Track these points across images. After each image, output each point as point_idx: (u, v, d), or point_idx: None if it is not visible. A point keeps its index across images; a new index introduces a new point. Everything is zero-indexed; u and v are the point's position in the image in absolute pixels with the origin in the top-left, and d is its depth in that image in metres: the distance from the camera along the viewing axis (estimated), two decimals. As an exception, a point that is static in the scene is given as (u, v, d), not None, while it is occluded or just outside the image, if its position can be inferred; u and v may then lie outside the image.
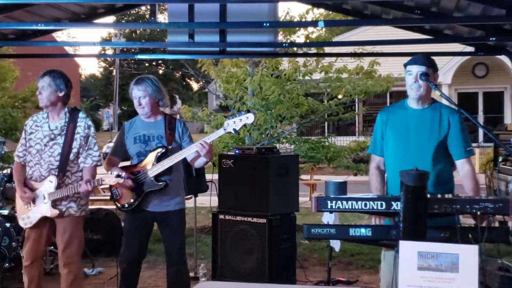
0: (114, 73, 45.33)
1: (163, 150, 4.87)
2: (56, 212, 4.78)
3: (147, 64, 50.29)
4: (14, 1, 6.27)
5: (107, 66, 55.03)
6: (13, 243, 6.18)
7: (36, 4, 6.55)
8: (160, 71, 50.10)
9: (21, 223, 5.04)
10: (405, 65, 4.19)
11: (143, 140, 4.97)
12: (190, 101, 46.40)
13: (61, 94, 4.85)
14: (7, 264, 6.16)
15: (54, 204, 4.79)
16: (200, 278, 6.40)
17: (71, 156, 4.83)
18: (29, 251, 4.94)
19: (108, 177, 4.69)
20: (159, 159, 4.85)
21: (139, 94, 4.94)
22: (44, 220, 4.89)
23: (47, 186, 4.78)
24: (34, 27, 7.16)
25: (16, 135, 14.01)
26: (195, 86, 54.82)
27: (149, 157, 4.90)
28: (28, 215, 4.92)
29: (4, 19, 7.07)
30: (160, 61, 49.71)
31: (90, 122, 4.95)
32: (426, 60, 4.13)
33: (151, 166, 4.86)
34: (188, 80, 53.60)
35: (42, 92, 4.82)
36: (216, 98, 17.46)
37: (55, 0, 6.36)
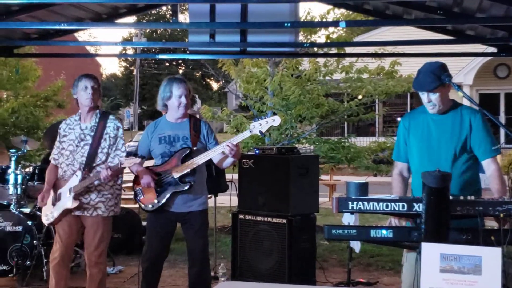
0: (134, 73, 45.59)
1: (188, 151, 4.89)
2: (76, 203, 4.85)
3: (167, 64, 50.49)
4: (37, 1, 6.32)
5: (128, 65, 55.36)
6: (35, 241, 6.23)
7: (59, 4, 6.59)
8: (180, 71, 50.29)
9: (44, 219, 5.14)
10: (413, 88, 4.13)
11: (168, 141, 4.98)
12: (210, 101, 46.51)
13: (99, 97, 5.06)
14: (28, 262, 6.21)
15: (77, 196, 4.86)
16: (220, 277, 6.41)
17: (101, 156, 4.93)
18: (58, 250, 5.00)
19: (128, 160, 4.71)
20: (183, 160, 4.86)
21: (184, 92, 4.97)
22: (73, 219, 4.97)
23: (72, 181, 4.89)
24: (57, 27, 7.22)
25: (38, 134, 14.07)
26: (214, 86, 54.99)
27: (174, 157, 4.91)
28: (52, 211, 5.02)
29: (27, 19, 7.14)
30: (180, 61, 49.88)
31: (119, 124, 5.06)
32: (431, 79, 3.95)
33: (176, 167, 4.88)
34: (208, 80, 53.77)
35: (94, 92, 4.96)
36: (236, 98, 17.47)
37: (78, 0, 6.40)
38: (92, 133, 4.96)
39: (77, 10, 7.25)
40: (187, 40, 6.78)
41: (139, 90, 42.65)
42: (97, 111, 5.07)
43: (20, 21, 7.21)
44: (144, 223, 7.41)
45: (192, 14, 6.43)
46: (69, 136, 5.02)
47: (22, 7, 6.80)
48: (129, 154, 4.84)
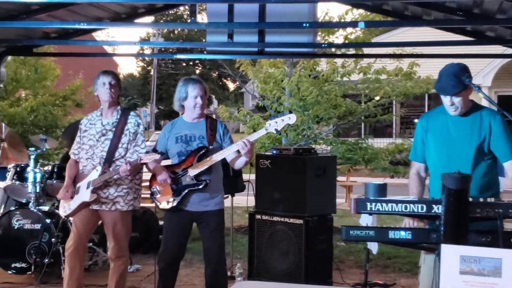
0: (151, 73, 45.75)
1: (204, 150, 4.90)
2: (94, 196, 4.92)
3: (184, 64, 50.61)
4: (57, 1, 6.36)
5: (145, 65, 55.57)
6: (53, 239, 6.28)
7: (78, 3, 6.63)
8: (197, 71, 50.39)
9: (61, 211, 5.24)
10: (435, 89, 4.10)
11: (185, 140, 5.00)
12: (226, 101, 46.53)
13: (119, 93, 5.16)
14: (46, 260, 6.26)
15: (95, 190, 4.93)
16: (237, 277, 6.42)
17: (121, 151, 5.01)
18: (72, 238, 5.09)
19: (147, 156, 4.76)
20: (200, 158, 4.88)
21: (200, 93, 5.00)
22: (90, 213, 5.05)
23: (92, 175, 4.97)
24: (76, 26, 7.27)
25: (56, 132, 14.17)
26: (231, 86, 55.01)
27: (190, 156, 4.93)
28: (69, 203, 5.10)
29: (47, 18, 7.19)
30: (197, 61, 49.99)
31: (140, 121, 5.15)
32: (454, 82, 3.92)
33: (192, 166, 4.89)
34: (224, 80, 53.82)
35: (112, 88, 5.04)
36: (253, 98, 17.46)
37: (98, 0, 6.44)
38: (113, 129, 5.04)
39: (96, 10, 7.29)
40: (204, 40, 6.79)
41: (156, 90, 42.80)
42: (118, 107, 5.16)
43: (39, 20, 7.27)
44: (160, 222, 7.45)
45: (210, 14, 6.44)
46: (89, 131, 5.12)
47: (42, 6, 6.85)
48: (147, 152, 4.89)
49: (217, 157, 4.87)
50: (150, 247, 7.50)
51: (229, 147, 4.89)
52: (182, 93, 5.05)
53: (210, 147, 4.94)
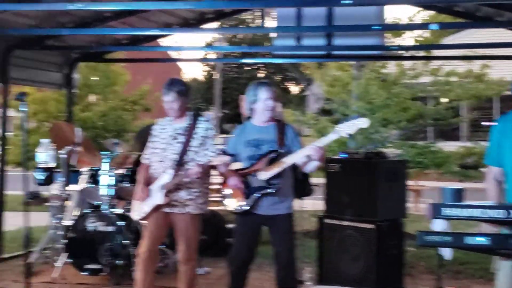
0: (215, 77, 46.17)
1: (275, 154, 4.91)
2: (167, 199, 5.00)
3: (249, 68, 50.82)
4: (129, 8, 6.51)
5: (210, 70, 56.08)
6: (126, 241, 6.39)
7: (150, 10, 6.77)
8: (260, 75, 50.49)
9: (134, 215, 5.34)
10: None
11: (255, 144, 5.01)
12: (289, 105, 46.45)
13: (186, 102, 5.17)
14: (119, 262, 6.38)
15: (167, 193, 5.01)
16: (306, 282, 6.39)
17: (191, 155, 5.07)
18: (145, 242, 5.16)
19: (217, 159, 4.83)
20: (270, 162, 4.89)
21: (270, 96, 5.02)
22: (162, 216, 5.12)
23: (164, 178, 5.04)
24: (147, 33, 7.44)
25: (125, 136, 14.50)
26: (293, 89, 54.86)
27: (261, 161, 4.95)
28: (142, 206, 5.18)
29: (118, 25, 7.37)
30: (261, 65, 50.10)
31: (210, 125, 5.22)
32: None
33: (263, 170, 4.91)
34: (287, 84, 53.71)
35: (173, 104, 5.09)
36: (317, 102, 17.40)
37: (168, 7, 6.56)
38: (185, 133, 5.11)
39: (166, 16, 7.44)
40: (268, 44, 6.84)
41: (220, 94, 43.14)
42: (189, 112, 5.23)
43: (111, 27, 7.46)
44: (229, 226, 7.51)
45: (280, 18, 6.47)
46: (161, 135, 5.21)
47: (114, 14, 7.04)
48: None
49: (287, 161, 4.87)
50: (219, 251, 7.55)
51: (300, 151, 4.88)
52: (252, 96, 5.07)
53: (280, 151, 4.94)
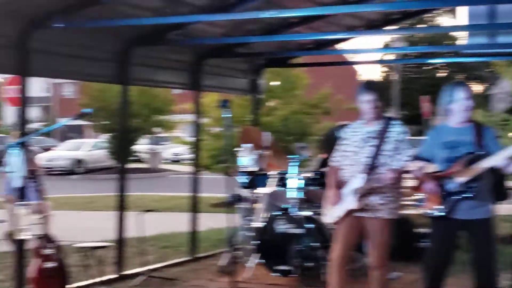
0: (394, 78, 45.40)
1: (473, 157, 4.72)
2: (360, 204, 4.99)
3: (428, 68, 49.39)
4: (316, 13, 6.57)
5: (387, 70, 55.22)
6: (315, 244, 6.45)
7: (336, 14, 6.79)
8: (439, 75, 48.85)
9: (327, 219, 5.40)
10: None
11: (452, 146, 4.85)
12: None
13: (383, 104, 5.17)
14: (309, 264, 6.45)
15: (361, 198, 4.99)
16: (503, 290, 6.04)
17: (383, 159, 5.04)
18: (338, 247, 5.19)
19: (412, 164, 4.77)
20: (468, 165, 4.70)
21: (469, 95, 4.87)
22: (355, 220, 5.12)
23: (356, 182, 5.03)
24: (332, 36, 7.46)
25: (306, 140, 14.69)
26: (476, 88, 52.46)
27: (458, 163, 4.77)
28: (335, 211, 5.20)
29: (304, 30, 7.47)
30: (443, 65, 48.49)
31: (405, 129, 5.15)
32: None
33: (460, 173, 4.73)
34: (470, 83, 51.46)
35: (375, 104, 5.08)
36: (504, 100, 16.51)
37: (355, 10, 6.53)
38: (377, 136, 5.07)
39: (351, 19, 7.43)
40: (449, 43, 6.61)
41: (399, 94, 42.32)
42: (383, 115, 5.19)
43: (296, 33, 7.58)
44: (419, 230, 7.32)
45: (471, 15, 6.23)
46: (352, 139, 5.21)
47: (300, 19, 7.14)
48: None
49: (486, 163, 4.65)
50: (408, 255, 7.37)
51: (499, 154, 4.63)
52: (448, 97, 4.91)
53: (479, 153, 4.72)
